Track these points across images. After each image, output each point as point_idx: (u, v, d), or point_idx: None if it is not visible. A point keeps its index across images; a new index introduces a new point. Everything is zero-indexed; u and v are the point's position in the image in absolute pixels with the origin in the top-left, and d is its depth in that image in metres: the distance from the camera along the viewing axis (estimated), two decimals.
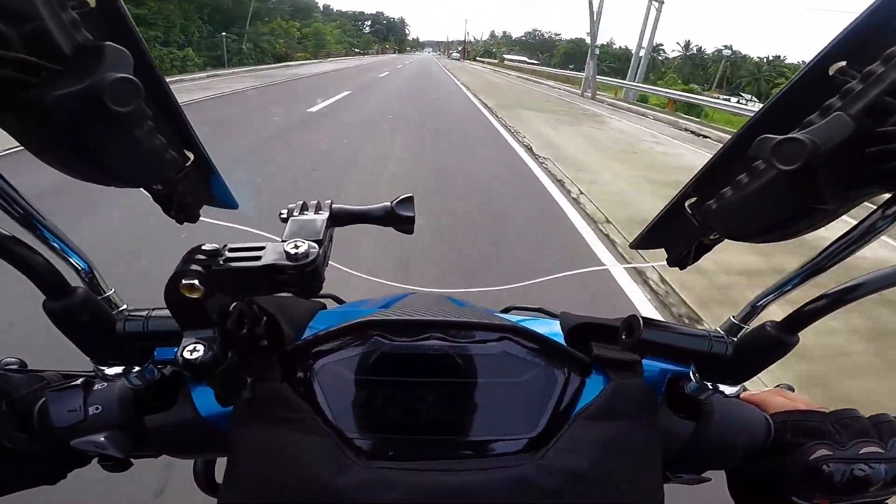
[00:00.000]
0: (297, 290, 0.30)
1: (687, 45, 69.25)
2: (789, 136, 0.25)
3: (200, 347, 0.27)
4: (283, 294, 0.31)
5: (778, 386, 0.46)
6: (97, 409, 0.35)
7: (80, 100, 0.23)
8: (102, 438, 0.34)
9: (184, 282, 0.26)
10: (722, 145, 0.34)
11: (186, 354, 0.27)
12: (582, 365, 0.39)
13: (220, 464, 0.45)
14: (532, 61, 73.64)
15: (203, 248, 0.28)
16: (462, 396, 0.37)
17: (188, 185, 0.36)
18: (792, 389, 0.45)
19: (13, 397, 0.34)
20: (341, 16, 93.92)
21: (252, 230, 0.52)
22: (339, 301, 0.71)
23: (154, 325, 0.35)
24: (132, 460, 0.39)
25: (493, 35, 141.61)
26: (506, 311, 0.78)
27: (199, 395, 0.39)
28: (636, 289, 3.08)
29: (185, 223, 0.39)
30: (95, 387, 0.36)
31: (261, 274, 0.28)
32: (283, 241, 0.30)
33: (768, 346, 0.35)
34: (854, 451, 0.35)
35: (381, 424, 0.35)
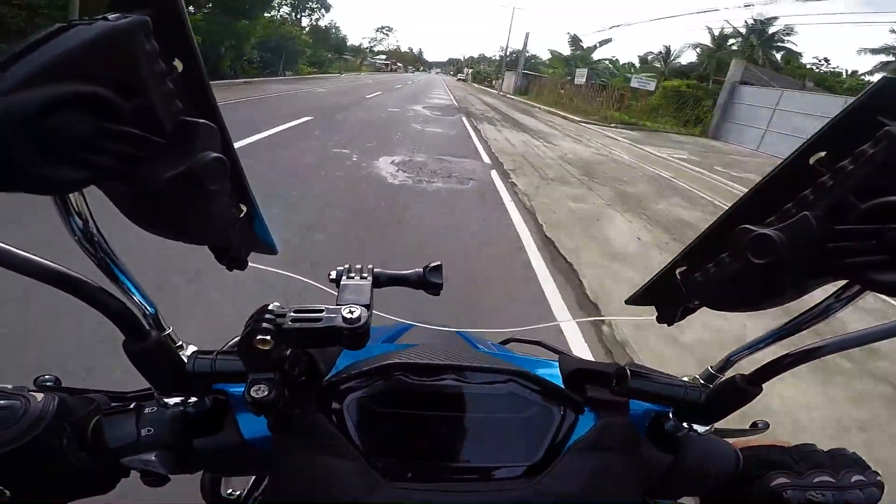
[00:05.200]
0: (349, 345, 0.35)
1: None
2: (763, 231, 0.31)
3: (265, 388, 0.34)
4: None
5: (754, 422, 0.51)
6: (149, 430, 0.39)
7: (184, 178, 0.28)
8: (153, 457, 0.38)
9: (258, 337, 0.32)
10: (712, 222, 0.39)
11: (254, 394, 0.33)
12: (576, 404, 0.45)
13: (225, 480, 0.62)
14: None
15: (270, 308, 0.33)
16: (471, 428, 0.42)
17: (240, 235, 0.41)
18: (767, 425, 0.50)
19: (73, 419, 0.38)
20: None
21: (297, 276, 0.60)
22: None
23: (220, 366, 0.40)
24: (171, 476, 0.42)
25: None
26: (506, 342, 0.88)
27: (244, 421, 0.44)
28: None
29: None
30: (146, 410, 0.40)
31: (321, 333, 0.33)
32: (338, 306, 0.35)
33: (736, 395, 0.41)
34: (809, 480, 0.40)
35: (403, 451, 0.41)
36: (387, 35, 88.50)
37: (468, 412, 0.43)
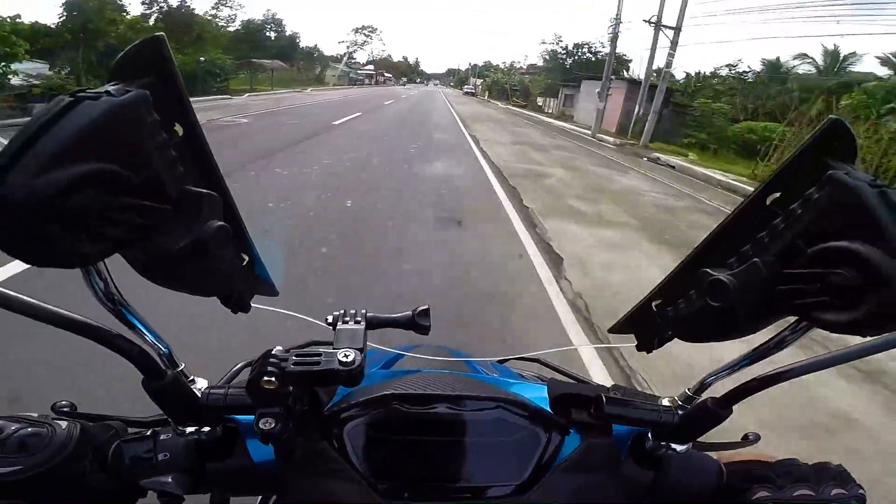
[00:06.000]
0: (345, 384, 0.38)
1: None
2: (719, 276, 0.34)
3: (272, 421, 0.37)
4: None
5: (745, 435, 0.51)
6: (165, 455, 0.42)
7: (191, 248, 0.31)
8: (170, 479, 0.42)
9: (265, 378, 0.35)
10: (682, 259, 0.42)
11: (263, 426, 0.37)
12: (562, 427, 0.48)
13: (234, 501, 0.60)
14: None
15: (274, 352, 0.37)
16: (464, 451, 0.46)
17: (244, 282, 0.45)
18: (758, 438, 0.51)
19: (94, 444, 0.42)
20: None
21: (297, 314, 0.62)
22: None
23: (231, 401, 0.44)
24: (186, 496, 0.46)
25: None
26: (502, 361, 0.93)
27: (253, 446, 0.47)
28: None
29: (240, 312, 0.47)
30: (162, 437, 0.43)
31: (321, 374, 0.37)
32: (335, 350, 0.38)
33: (707, 417, 0.44)
34: (789, 494, 0.41)
35: (401, 473, 0.44)
36: (368, 38, 66.56)
37: (460, 437, 0.46)
